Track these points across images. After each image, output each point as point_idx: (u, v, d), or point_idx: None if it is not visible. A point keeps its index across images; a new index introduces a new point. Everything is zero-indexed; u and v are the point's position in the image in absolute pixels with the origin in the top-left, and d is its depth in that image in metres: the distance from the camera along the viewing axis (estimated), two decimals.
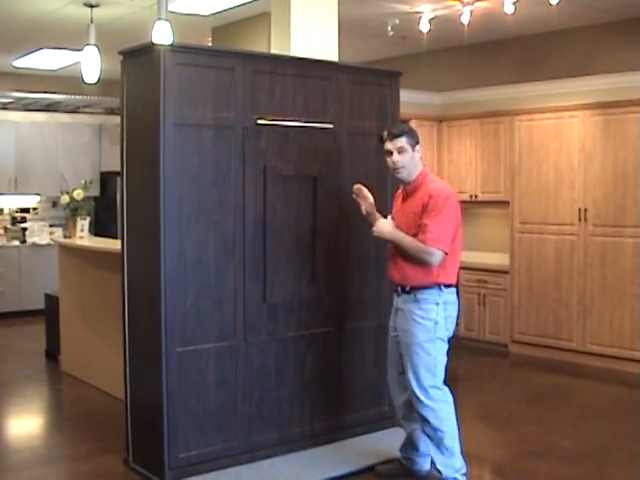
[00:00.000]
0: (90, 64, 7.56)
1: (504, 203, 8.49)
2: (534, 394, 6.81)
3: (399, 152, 4.46)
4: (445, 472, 4.49)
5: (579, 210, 7.75)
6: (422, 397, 4.44)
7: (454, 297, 4.50)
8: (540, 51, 8.71)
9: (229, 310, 4.77)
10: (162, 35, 6.36)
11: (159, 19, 6.46)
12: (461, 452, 4.57)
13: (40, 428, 6.06)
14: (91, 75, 7.66)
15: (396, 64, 8.49)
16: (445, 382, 4.57)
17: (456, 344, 8.60)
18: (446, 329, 4.46)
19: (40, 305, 8.48)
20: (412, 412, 4.60)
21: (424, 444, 4.66)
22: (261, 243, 4.87)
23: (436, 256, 4.32)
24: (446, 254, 4.34)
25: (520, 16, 7.59)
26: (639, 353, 7.30)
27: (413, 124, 8.74)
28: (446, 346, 4.50)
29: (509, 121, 8.38)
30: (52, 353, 7.90)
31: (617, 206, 7.46)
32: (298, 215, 5.04)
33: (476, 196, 8.77)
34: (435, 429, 4.45)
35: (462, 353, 8.51)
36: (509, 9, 7.25)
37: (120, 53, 4.83)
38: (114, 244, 6.64)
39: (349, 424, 5.33)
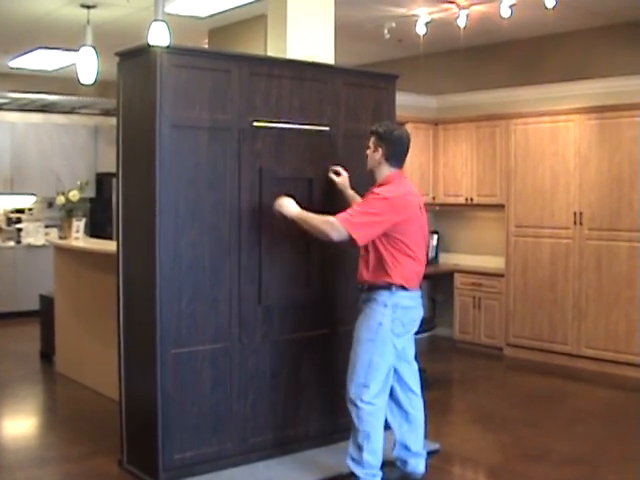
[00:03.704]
0: (86, 65, 7.57)
1: (500, 206, 8.49)
2: (529, 397, 6.82)
3: (367, 148, 4.63)
4: (355, 470, 4.51)
5: (574, 214, 7.76)
6: (350, 392, 4.52)
7: (410, 302, 4.49)
8: (536, 55, 8.73)
9: (224, 312, 4.76)
10: (159, 37, 6.37)
11: (156, 20, 6.47)
12: (383, 462, 4.59)
13: (34, 429, 6.05)
14: (87, 76, 7.67)
15: (392, 67, 8.50)
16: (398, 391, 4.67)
17: (451, 347, 8.69)
18: (392, 333, 4.45)
19: (35, 306, 8.46)
20: (399, 411, 4.69)
21: (415, 442, 4.71)
22: (256, 245, 4.87)
23: (338, 232, 4.37)
24: (353, 240, 4.36)
25: (516, 20, 7.61)
26: (634, 357, 7.32)
27: (409, 127, 8.71)
28: (392, 350, 4.47)
29: (505, 124, 8.39)
30: (47, 354, 7.90)
31: (612, 210, 7.47)
32: None
33: (472, 199, 8.78)
34: (354, 424, 4.51)
35: (457, 356, 8.53)
36: (505, 13, 7.27)
37: (117, 55, 4.83)
38: (109, 245, 6.63)
39: (344, 426, 5.29)
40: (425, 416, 4.83)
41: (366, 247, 4.53)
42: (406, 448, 4.73)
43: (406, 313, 4.49)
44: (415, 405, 4.73)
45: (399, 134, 4.60)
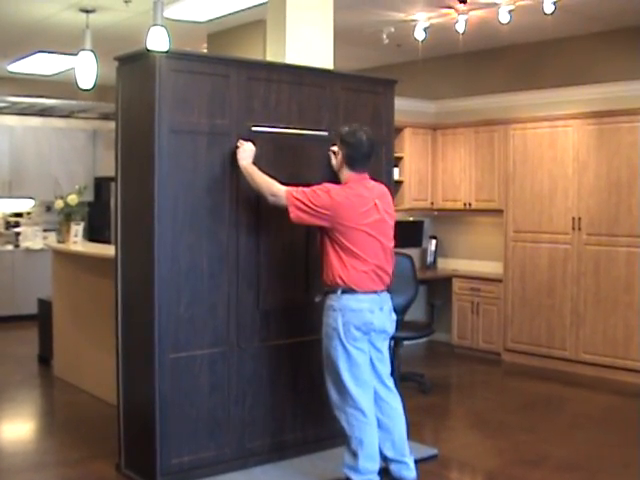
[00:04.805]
0: (85, 69, 7.57)
1: (498, 212, 8.50)
2: (527, 403, 6.82)
3: (333, 153, 4.67)
4: (352, 477, 4.48)
5: (573, 219, 7.77)
6: (333, 400, 4.53)
7: (358, 304, 4.42)
8: (535, 60, 8.74)
9: (222, 316, 4.77)
10: (158, 41, 6.37)
11: (155, 25, 6.47)
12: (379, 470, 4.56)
13: (32, 433, 6.04)
14: (86, 80, 7.66)
15: (391, 72, 8.53)
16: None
17: (449, 352, 8.69)
18: (346, 337, 4.40)
19: (33, 310, 8.46)
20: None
21: (390, 449, 4.64)
22: (255, 249, 4.87)
23: (275, 198, 4.50)
24: (285, 200, 4.46)
25: (515, 25, 7.62)
26: (632, 362, 7.32)
27: (408, 132, 8.79)
28: (357, 352, 4.42)
29: (503, 130, 8.39)
30: (45, 358, 7.89)
31: (611, 215, 7.48)
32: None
33: (470, 204, 8.78)
34: (345, 431, 4.50)
35: (455, 361, 8.52)
36: (504, 18, 7.28)
37: (116, 59, 4.83)
38: (108, 249, 6.63)
39: (342, 431, 5.31)
40: (409, 422, 4.76)
41: (320, 248, 4.58)
42: (383, 454, 4.65)
43: (356, 316, 4.41)
44: (386, 412, 4.64)
45: (359, 137, 4.55)
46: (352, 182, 4.53)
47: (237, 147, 4.70)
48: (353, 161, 4.54)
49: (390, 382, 4.69)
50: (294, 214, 4.45)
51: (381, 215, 4.52)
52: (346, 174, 4.56)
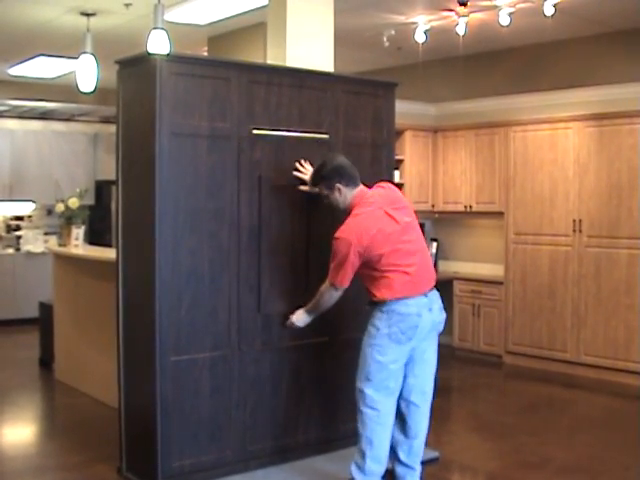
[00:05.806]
0: (86, 73, 7.57)
1: (499, 214, 8.50)
2: (528, 405, 6.82)
3: (326, 199, 4.67)
4: (355, 475, 4.49)
5: (574, 221, 7.77)
6: (355, 393, 4.54)
7: (406, 309, 4.37)
8: (535, 62, 8.74)
9: (224, 319, 4.77)
10: (159, 44, 6.37)
11: (155, 28, 6.47)
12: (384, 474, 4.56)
13: (33, 436, 6.04)
14: (87, 84, 7.67)
15: (391, 75, 8.53)
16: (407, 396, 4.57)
17: (451, 354, 8.69)
18: (390, 339, 4.37)
19: (34, 313, 8.46)
20: (396, 419, 4.58)
21: (405, 454, 4.62)
22: (256, 253, 4.87)
23: (334, 293, 4.57)
24: (338, 287, 4.51)
25: (515, 27, 7.63)
26: (633, 364, 7.31)
27: (408, 134, 8.80)
28: (393, 357, 4.40)
29: (504, 132, 8.40)
30: (46, 361, 7.89)
31: (612, 217, 7.48)
32: (292, 225, 5.04)
33: (471, 207, 8.78)
34: (358, 430, 4.51)
35: (456, 363, 8.52)
36: (504, 20, 7.29)
37: (116, 62, 4.84)
38: (109, 253, 6.64)
39: (343, 434, 5.31)
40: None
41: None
42: (396, 455, 4.65)
43: (404, 319, 4.36)
44: (414, 416, 4.60)
45: (337, 160, 4.62)
46: (359, 205, 4.50)
47: (289, 323, 4.89)
48: (350, 178, 4.55)
49: (428, 387, 4.65)
50: (347, 282, 4.48)
51: (397, 220, 4.45)
52: (351, 196, 4.54)
